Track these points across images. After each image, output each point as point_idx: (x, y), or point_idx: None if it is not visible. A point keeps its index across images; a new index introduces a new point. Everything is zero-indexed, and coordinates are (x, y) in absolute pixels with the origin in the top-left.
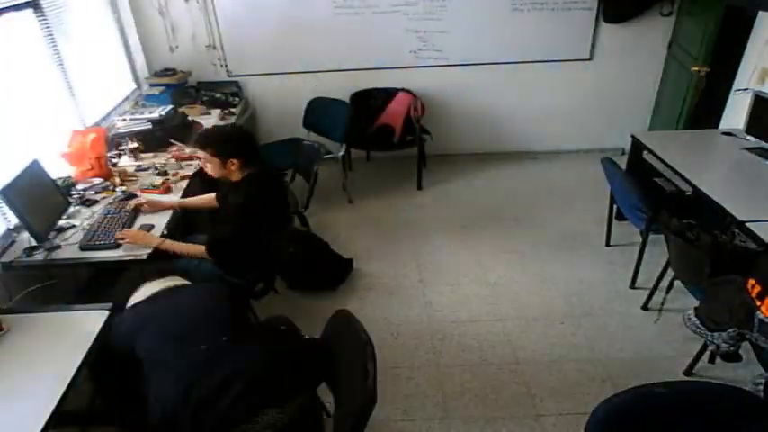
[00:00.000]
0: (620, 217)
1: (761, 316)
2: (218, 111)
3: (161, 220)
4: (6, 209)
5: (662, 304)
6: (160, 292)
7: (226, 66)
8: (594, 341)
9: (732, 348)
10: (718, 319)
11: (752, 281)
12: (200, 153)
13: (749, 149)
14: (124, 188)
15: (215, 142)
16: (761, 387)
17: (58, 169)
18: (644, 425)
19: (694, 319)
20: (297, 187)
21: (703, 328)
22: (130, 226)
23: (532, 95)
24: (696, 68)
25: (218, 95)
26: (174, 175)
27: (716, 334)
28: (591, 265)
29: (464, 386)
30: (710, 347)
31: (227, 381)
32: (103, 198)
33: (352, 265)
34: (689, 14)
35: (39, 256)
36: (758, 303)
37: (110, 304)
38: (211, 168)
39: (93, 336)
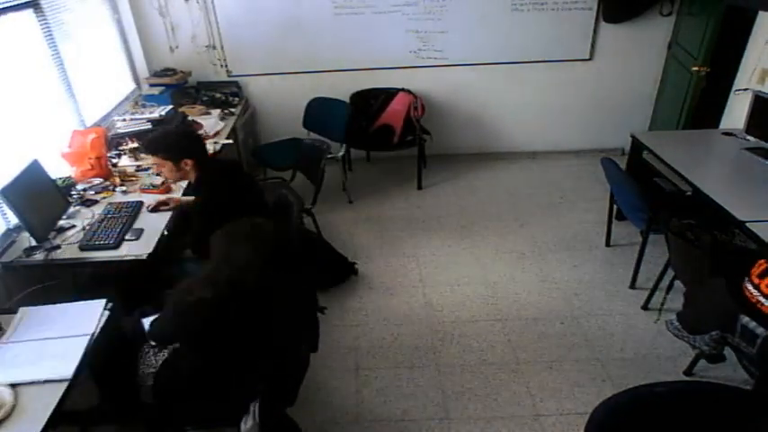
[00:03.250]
0: (621, 217)
1: (744, 321)
2: (218, 111)
3: (160, 222)
4: (6, 209)
5: (662, 304)
6: None
7: (226, 66)
8: (594, 341)
9: (714, 351)
10: (701, 320)
11: (761, 261)
12: (152, 159)
13: (749, 149)
14: (124, 188)
15: (164, 146)
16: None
17: (58, 169)
18: (644, 425)
19: (676, 323)
20: (297, 186)
21: (684, 331)
22: (131, 226)
23: (532, 95)
24: (696, 68)
25: (218, 95)
26: None
27: (698, 337)
28: (591, 265)
29: (464, 386)
30: (694, 351)
31: None
32: (103, 198)
33: (355, 270)
34: (689, 14)
35: (39, 256)
36: (757, 281)
37: (109, 305)
38: (167, 172)
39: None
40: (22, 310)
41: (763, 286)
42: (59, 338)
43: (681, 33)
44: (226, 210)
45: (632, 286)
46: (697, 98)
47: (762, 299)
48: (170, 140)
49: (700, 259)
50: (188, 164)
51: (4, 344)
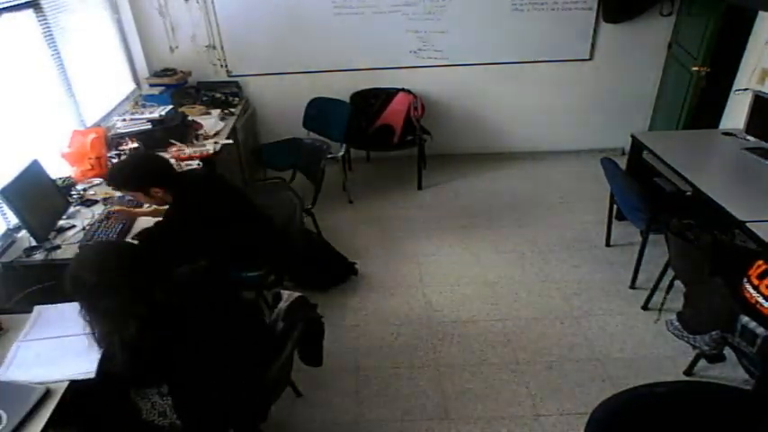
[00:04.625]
0: (621, 217)
1: (744, 321)
2: (218, 111)
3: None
4: (6, 209)
5: (662, 304)
6: None
7: (226, 66)
8: (594, 341)
9: (714, 351)
10: (701, 320)
11: (760, 262)
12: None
13: (749, 149)
14: None
15: (127, 179)
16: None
17: (58, 169)
18: (644, 425)
19: (677, 323)
20: (297, 186)
21: (685, 331)
22: (130, 227)
23: (532, 95)
24: (696, 68)
25: (218, 95)
26: None
27: (698, 337)
28: (591, 265)
29: (464, 386)
30: (694, 351)
31: None
32: (103, 198)
33: (355, 270)
34: (689, 14)
35: (39, 256)
36: (756, 282)
37: None
38: (145, 200)
39: None
40: (37, 308)
41: (762, 287)
42: (78, 336)
43: (681, 33)
44: (195, 223)
45: (632, 286)
46: (697, 98)
47: (761, 300)
48: (132, 172)
49: (700, 259)
50: (158, 191)
51: (24, 341)
